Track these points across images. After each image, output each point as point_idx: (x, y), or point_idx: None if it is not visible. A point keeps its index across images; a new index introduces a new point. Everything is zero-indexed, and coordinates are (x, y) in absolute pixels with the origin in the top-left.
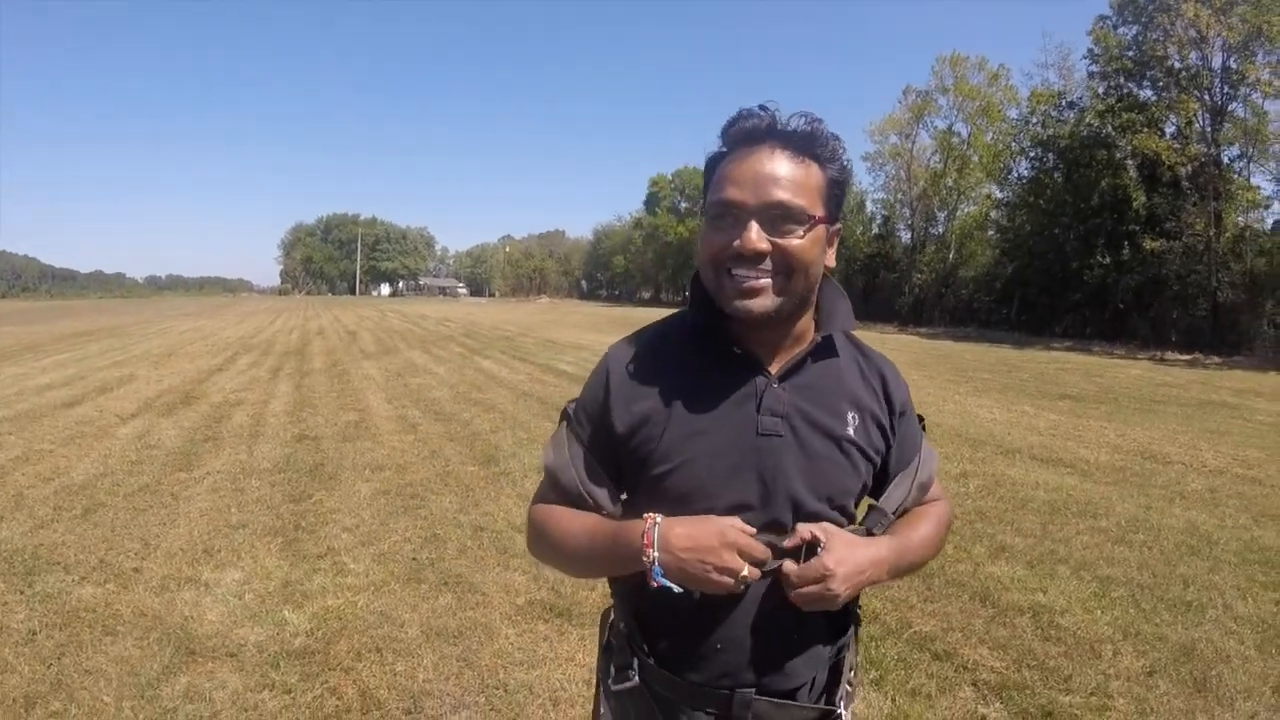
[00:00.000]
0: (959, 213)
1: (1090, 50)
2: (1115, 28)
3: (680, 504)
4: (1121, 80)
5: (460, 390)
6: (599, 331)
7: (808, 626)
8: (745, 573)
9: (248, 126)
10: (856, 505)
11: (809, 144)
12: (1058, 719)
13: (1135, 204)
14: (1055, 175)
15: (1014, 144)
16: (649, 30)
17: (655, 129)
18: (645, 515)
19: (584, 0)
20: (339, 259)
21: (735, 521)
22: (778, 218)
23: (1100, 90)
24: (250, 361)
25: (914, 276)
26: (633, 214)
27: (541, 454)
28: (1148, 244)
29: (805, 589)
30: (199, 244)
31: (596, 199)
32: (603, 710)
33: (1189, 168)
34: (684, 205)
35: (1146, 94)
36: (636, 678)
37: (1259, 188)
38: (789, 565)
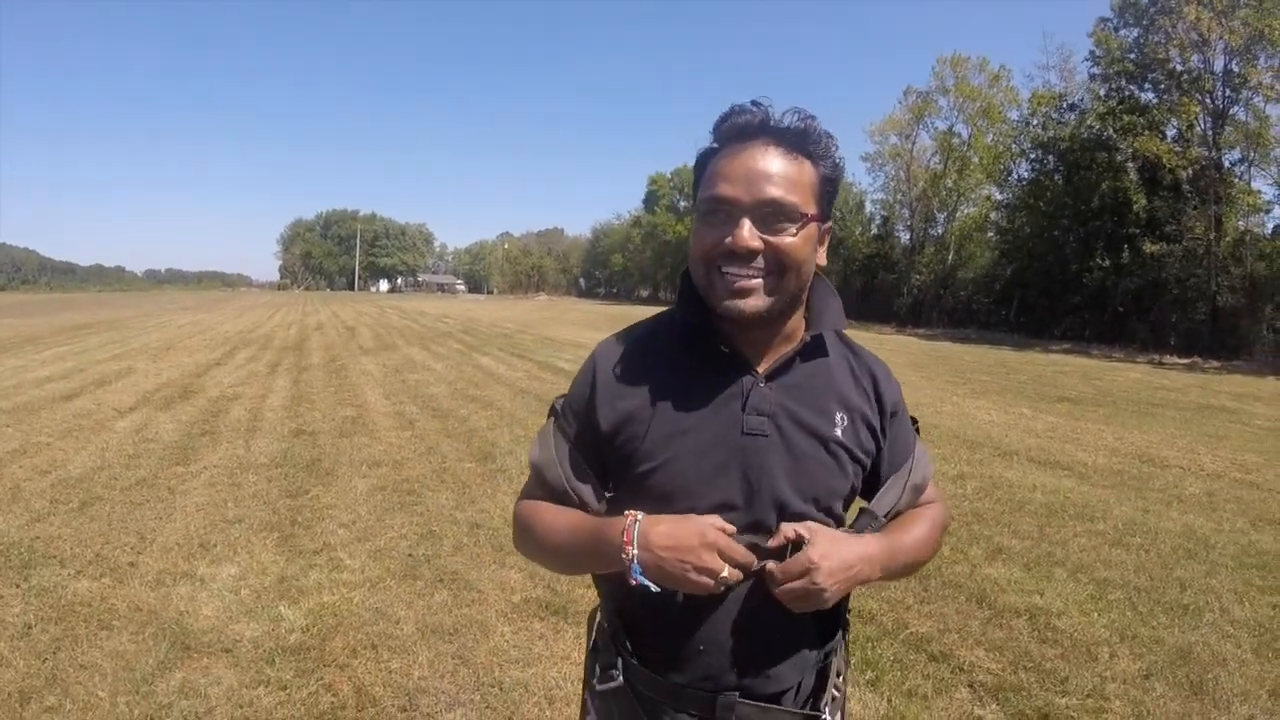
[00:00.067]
0: (958, 214)
1: (1091, 52)
2: (1116, 30)
3: (663, 502)
4: (1123, 83)
5: (458, 387)
6: (597, 329)
7: (793, 630)
8: (725, 574)
9: (248, 122)
10: (846, 508)
11: (802, 141)
12: None
13: (1135, 207)
14: (1055, 177)
15: (1014, 145)
16: (649, 29)
17: (655, 128)
18: (626, 512)
19: None
20: (338, 255)
21: (716, 520)
22: (770, 215)
23: (1101, 92)
24: (248, 356)
25: (913, 277)
26: (631, 212)
27: (529, 450)
28: (1148, 247)
29: (790, 585)
30: (198, 238)
31: (595, 197)
32: (589, 711)
33: (1190, 171)
34: (683, 204)
35: (1148, 97)
36: (620, 678)
37: (1260, 192)
38: (772, 564)
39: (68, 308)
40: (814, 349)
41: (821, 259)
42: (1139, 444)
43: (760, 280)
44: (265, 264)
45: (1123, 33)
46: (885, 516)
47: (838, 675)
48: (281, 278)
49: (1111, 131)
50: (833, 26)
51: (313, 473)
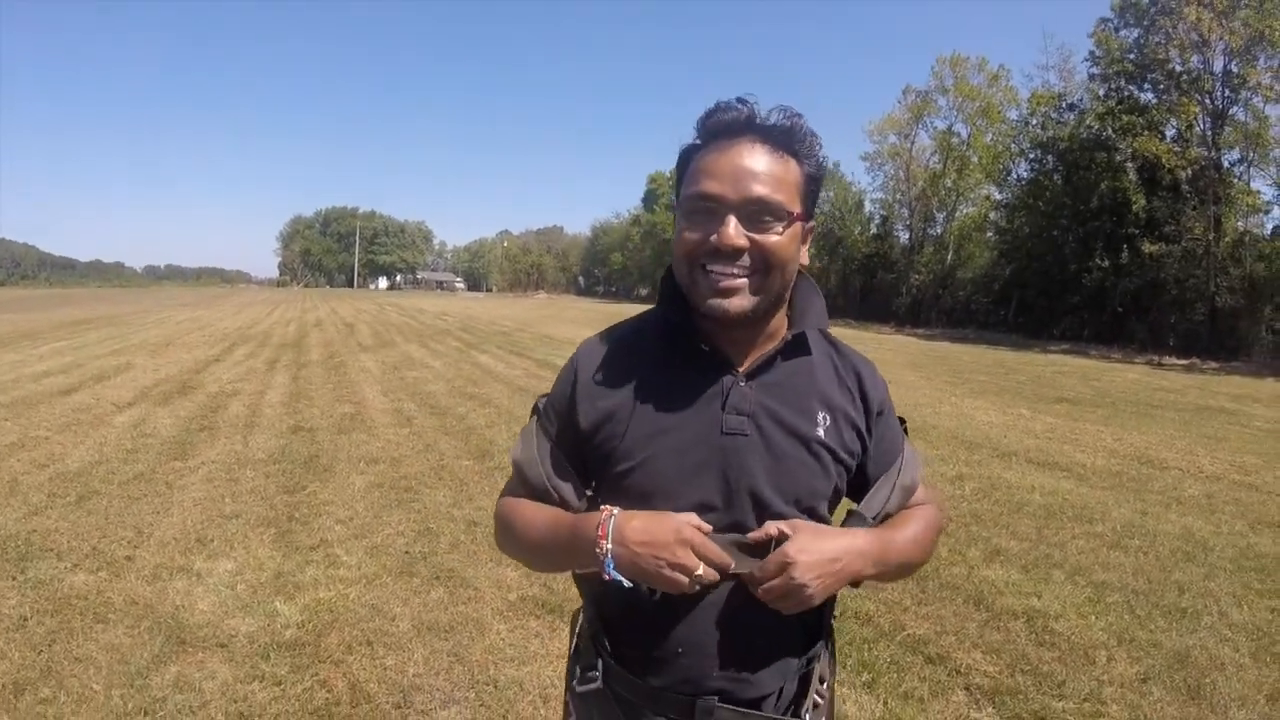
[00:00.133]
0: (958, 214)
1: (1091, 52)
2: (1117, 30)
3: (642, 502)
4: (1122, 83)
5: (456, 384)
6: (595, 328)
7: (775, 634)
8: (700, 572)
9: (248, 118)
10: (832, 510)
11: (788, 139)
12: None
13: (1135, 207)
14: (1055, 177)
15: (1014, 145)
16: (650, 28)
17: (654, 126)
18: (602, 507)
19: None
20: (337, 252)
21: (693, 518)
22: (756, 213)
23: (1101, 92)
24: (247, 352)
25: (912, 277)
26: (631, 211)
27: (511, 449)
28: (1147, 247)
29: (770, 584)
30: (198, 235)
31: (595, 195)
32: (570, 713)
33: (1189, 171)
34: None
35: (1147, 97)
36: (600, 680)
37: (1259, 192)
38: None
39: (67, 303)
40: (796, 348)
41: (804, 258)
42: (1137, 445)
43: (745, 279)
44: (265, 261)
45: (1123, 33)
46: (875, 518)
47: (821, 682)
48: (281, 274)
49: (1111, 132)
50: (833, 26)
51: (310, 469)
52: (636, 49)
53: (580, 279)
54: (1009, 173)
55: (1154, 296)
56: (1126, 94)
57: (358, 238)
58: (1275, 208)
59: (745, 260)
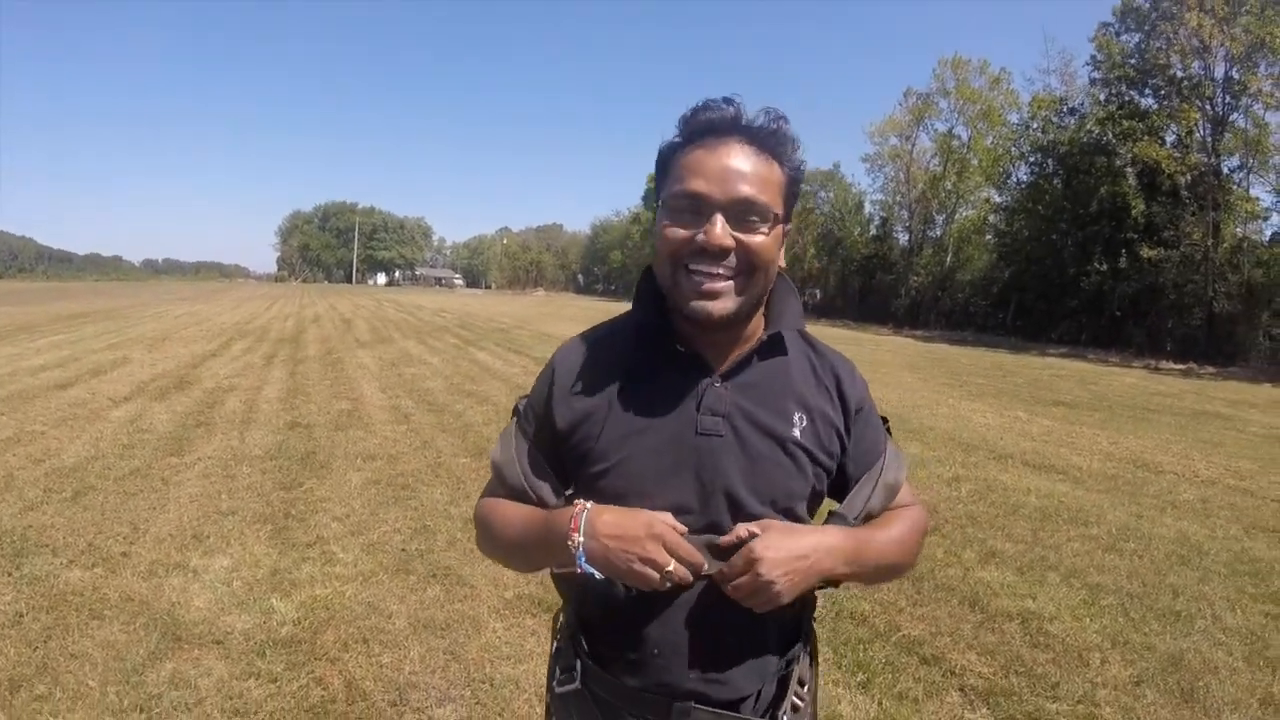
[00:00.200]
0: (957, 216)
1: (1093, 57)
2: (1118, 35)
3: (617, 503)
4: (1123, 88)
5: (454, 381)
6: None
7: (752, 635)
8: (671, 568)
9: (247, 113)
10: (812, 512)
11: (774, 142)
12: None
13: (1134, 212)
14: (1054, 181)
15: (1014, 149)
16: (650, 26)
17: (655, 125)
18: (576, 501)
19: None
20: (336, 247)
21: (666, 516)
22: (743, 214)
23: (1101, 97)
24: (245, 347)
25: (911, 279)
26: (631, 209)
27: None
28: (1145, 252)
29: (738, 581)
30: (196, 229)
31: (595, 193)
32: (550, 713)
33: (1188, 177)
34: None
35: (1148, 102)
36: (578, 680)
37: (1258, 199)
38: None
39: (64, 296)
40: (772, 348)
41: (781, 260)
42: (1134, 449)
43: (730, 281)
44: (263, 255)
45: (1124, 38)
46: (856, 518)
47: (801, 685)
48: (279, 269)
49: (1111, 136)
50: (833, 26)
51: (307, 466)
52: (637, 48)
53: (579, 277)
54: (1009, 176)
55: (1152, 301)
56: (1127, 99)
57: (356, 233)
58: (1274, 214)
59: (731, 260)
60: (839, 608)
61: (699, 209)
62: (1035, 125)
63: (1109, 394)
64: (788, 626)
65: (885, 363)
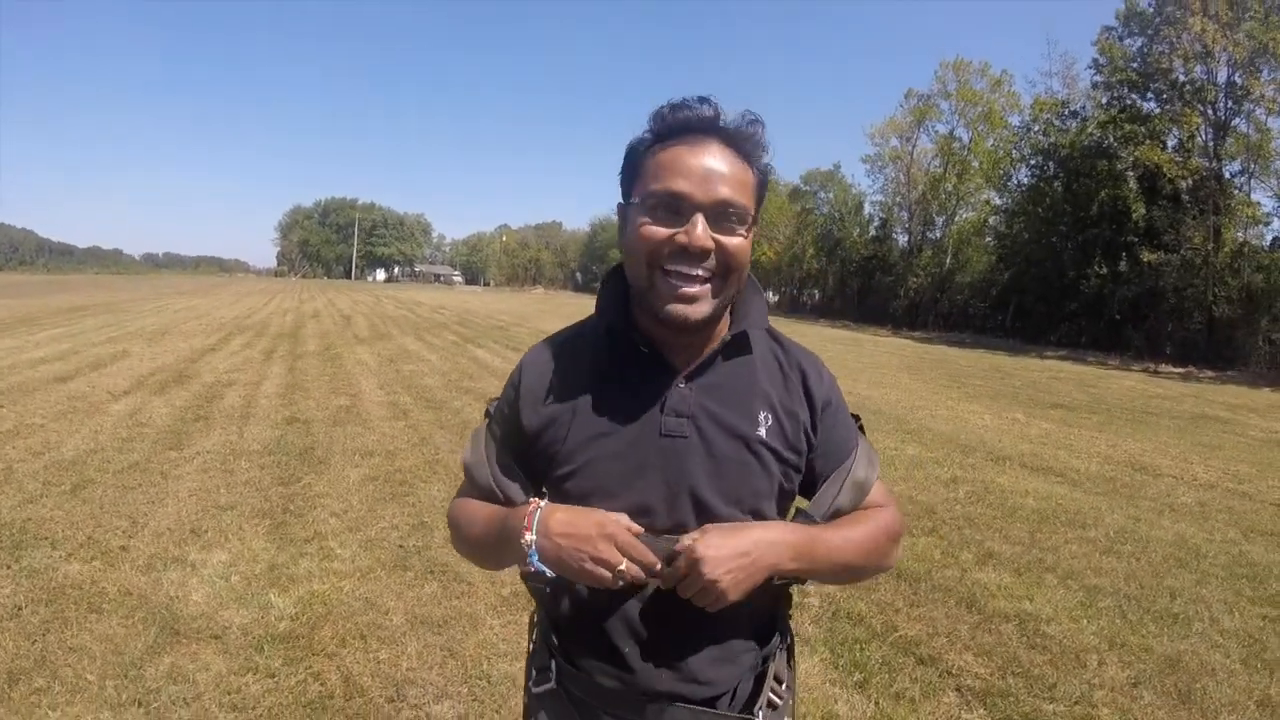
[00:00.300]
0: (957, 218)
1: (1095, 60)
2: (1121, 39)
3: (583, 504)
4: (1125, 91)
5: (452, 378)
6: None
7: (724, 633)
8: (623, 567)
9: (249, 108)
10: (783, 512)
11: (748, 144)
12: None
13: (1134, 216)
14: (1055, 184)
15: (1015, 151)
16: (651, 26)
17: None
18: (530, 500)
19: None
20: (335, 243)
21: (620, 516)
22: (723, 215)
23: (1103, 100)
24: (244, 342)
25: (910, 280)
26: None
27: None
28: (1145, 256)
29: (684, 582)
30: (197, 223)
31: (595, 192)
32: (528, 714)
33: (1190, 181)
34: None
35: (1150, 106)
36: (554, 680)
37: (1259, 204)
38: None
39: (64, 289)
40: (737, 348)
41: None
42: (1132, 452)
43: (707, 285)
44: (263, 250)
45: (1127, 42)
46: (824, 516)
47: (779, 682)
48: (279, 264)
49: (1112, 140)
50: (833, 26)
51: (305, 461)
52: (638, 47)
53: (578, 275)
54: (1009, 178)
55: (1152, 305)
56: (1129, 103)
57: (356, 229)
58: (1275, 219)
59: (710, 262)
60: (836, 608)
61: (679, 209)
62: (1036, 128)
63: (1108, 397)
64: (761, 623)
65: (884, 364)
